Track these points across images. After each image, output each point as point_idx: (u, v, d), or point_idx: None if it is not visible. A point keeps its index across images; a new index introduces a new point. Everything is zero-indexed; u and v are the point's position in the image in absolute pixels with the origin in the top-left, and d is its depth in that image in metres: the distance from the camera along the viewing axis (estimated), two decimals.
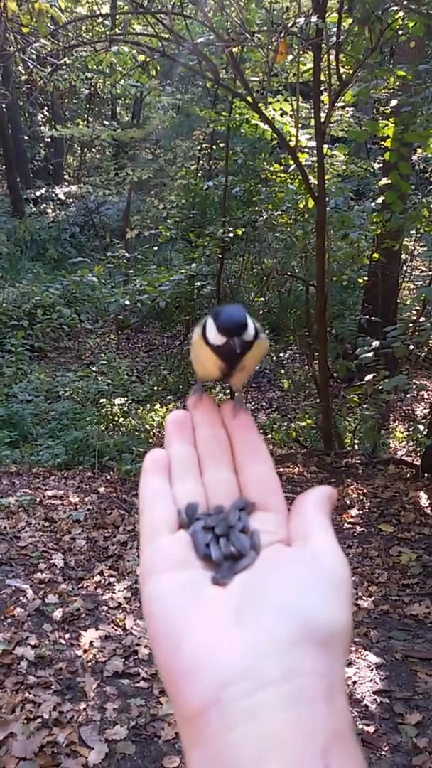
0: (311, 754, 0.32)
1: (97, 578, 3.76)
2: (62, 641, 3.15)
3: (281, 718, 0.33)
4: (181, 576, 0.40)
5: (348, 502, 4.88)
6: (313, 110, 5.43)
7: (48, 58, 6.62)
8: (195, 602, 0.38)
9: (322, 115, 5.18)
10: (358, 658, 3.16)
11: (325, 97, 5.34)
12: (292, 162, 5.93)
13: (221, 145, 8.27)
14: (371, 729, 2.70)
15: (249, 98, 5.32)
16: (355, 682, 2.99)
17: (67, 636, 3.20)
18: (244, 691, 0.33)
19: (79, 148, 17.29)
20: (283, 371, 8.59)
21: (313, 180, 5.52)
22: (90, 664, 3.02)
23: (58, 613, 3.36)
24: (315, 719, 0.33)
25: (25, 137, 15.45)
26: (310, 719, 0.33)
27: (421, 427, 5.89)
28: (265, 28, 5.40)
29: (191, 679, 0.35)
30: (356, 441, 6.41)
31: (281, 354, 8.78)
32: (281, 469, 5.56)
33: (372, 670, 3.08)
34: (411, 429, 6.55)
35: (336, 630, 0.36)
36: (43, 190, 14.90)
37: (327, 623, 0.36)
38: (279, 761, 0.32)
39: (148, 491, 0.44)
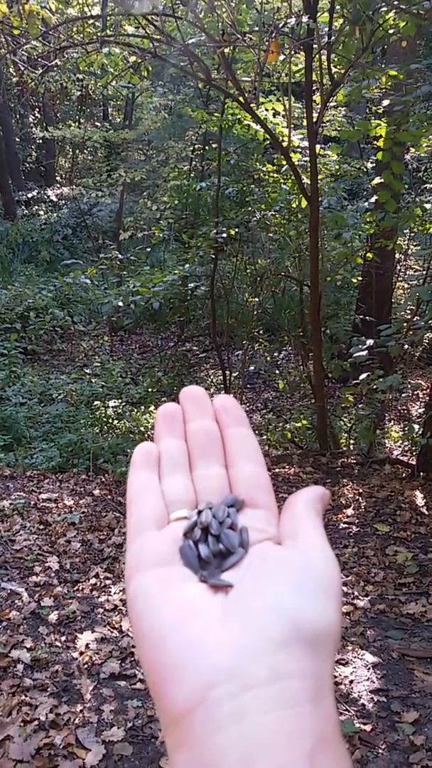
0: (298, 758, 0.31)
1: (93, 581, 3.75)
2: (58, 644, 3.14)
3: (268, 721, 0.32)
4: (168, 572, 0.39)
5: (344, 501, 4.89)
6: (305, 110, 5.43)
7: (39, 59, 6.61)
8: (181, 600, 0.37)
9: (315, 115, 5.19)
10: (355, 657, 3.16)
11: (317, 97, 5.35)
12: (284, 162, 5.94)
13: (214, 145, 8.27)
14: (368, 727, 2.70)
15: (241, 98, 5.32)
16: (351, 681, 2.99)
17: (63, 638, 3.19)
18: (231, 692, 0.33)
19: (70, 150, 17.27)
20: (277, 372, 8.60)
21: (305, 180, 5.53)
22: (86, 666, 3.01)
23: (53, 616, 3.34)
24: (302, 722, 0.32)
25: (17, 139, 15.42)
26: (296, 722, 0.32)
27: (417, 427, 5.89)
28: (257, 28, 5.40)
29: (177, 679, 0.34)
30: (352, 441, 6.42)
31: (276, 354, 8.78)
32: (277, 470, 5.56)
33: (369, 669, 3.07)
34: (406, 428, 6.55)
35: (324, 630, 0.35)
36: (35, 192, 14.88)
37: (315, 623, 0.35)
38: (265, 764, 0.31)
39: (136, 486, 0.44)
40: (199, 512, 0.42)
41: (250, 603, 0.36)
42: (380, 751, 2.57)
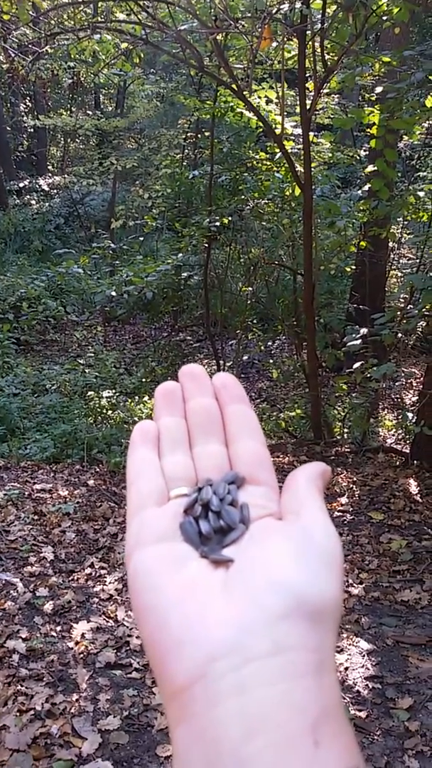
0: (300, 731, 0.31)
1: (88, 570, 3.75)
2: (54, 634, 3.14)
3: (269, 694, 0.31)
4: (168, 549, 0.39)
5: (338, 490, 4.90)
6: (298, 97, 5.39)
7: (29, 46, 6.54)
8: (182, 575, 0.37)
9: (308, 102, 5.15)
10: (350, 644, 3.17)
11: (310, 84, 5.31)
12: (277, 150, 5.91)
13: (206, 133, 8.22)
14: (363, 714, 2.71)
15: (234, 86, 5.28)
16: (347, 669, 3.00)
17: (59, 628, 3.20)
18: (232, 665, 0.32)
19: (62, 138, 17.14)
20: (271, 361, 8.59)
21: (299, 168, 5.50)
22: (82, 655, 3.01)
23: (49, 606, 3.34)
24: (304, 695, 0.32)
25: (8, 128, 15.28)
26: (299, 695, 0.32)
27: (410, 415, 5.90)
28: (249, 14, 5.35)
29: (177, 653, 0.34)
30: (346, 430, 6.42)
31: (269, 344, 8.77)
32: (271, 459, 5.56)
33: (364, 656, 3.09)
34: (400, 417, 6.56)
35: (326, 604, 0.35)
36: (26, 182, 14.78)
37: (317, 597, 0.35)
38: (267, 737, 0.30)
39: (136, 463, 0.43)
40: (200, 489, 0.42)
41: (251, 577, 0.36)
42: (375, 737, 2.59)
